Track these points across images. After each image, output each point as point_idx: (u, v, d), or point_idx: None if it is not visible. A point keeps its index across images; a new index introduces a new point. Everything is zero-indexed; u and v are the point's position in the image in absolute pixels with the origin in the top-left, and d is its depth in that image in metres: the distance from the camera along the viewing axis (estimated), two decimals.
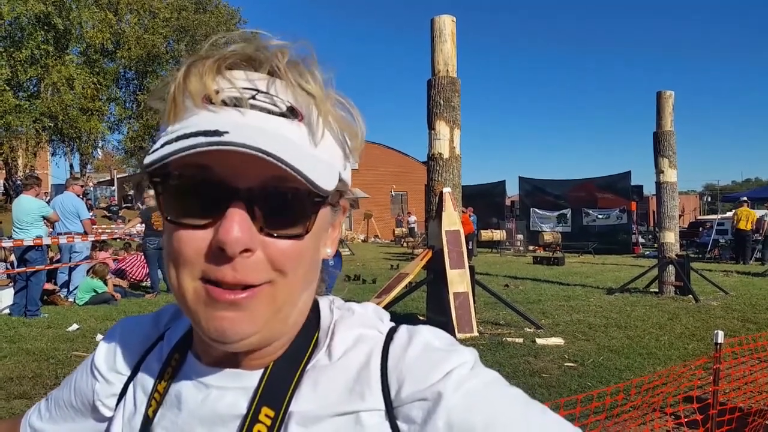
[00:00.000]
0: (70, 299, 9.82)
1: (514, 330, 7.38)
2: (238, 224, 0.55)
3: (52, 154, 32.65)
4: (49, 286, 9.79)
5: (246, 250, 0.55)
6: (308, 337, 0.66)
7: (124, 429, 0.70)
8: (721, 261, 19.21)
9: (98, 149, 34.47)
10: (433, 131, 7.42)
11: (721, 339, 3.37)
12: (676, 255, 10.81)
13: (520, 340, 6.78)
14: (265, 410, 0.61)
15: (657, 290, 10.86)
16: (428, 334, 0.64)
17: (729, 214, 22.45)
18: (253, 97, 0.58)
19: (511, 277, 14.02)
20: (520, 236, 26.56)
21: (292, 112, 0.59)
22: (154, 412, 0.67)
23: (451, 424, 0.56)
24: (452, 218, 7.26)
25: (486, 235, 24.39)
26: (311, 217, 0.59)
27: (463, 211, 8.79)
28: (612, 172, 27.04)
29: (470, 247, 16.91)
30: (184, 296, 0.59)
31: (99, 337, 6.85)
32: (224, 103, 0.58)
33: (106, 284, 9.94)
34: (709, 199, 60.87)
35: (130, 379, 0.73)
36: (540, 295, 10.68)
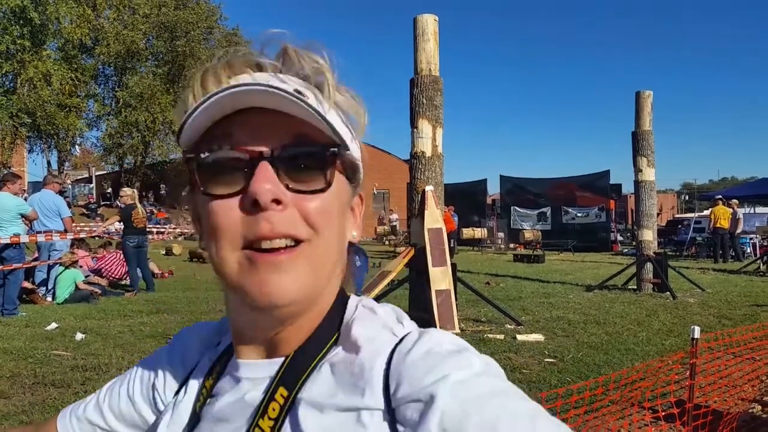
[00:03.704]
0: (49, 298, 9.69)
1: (495, 327, 7.43)
2: (265, 177, 0.59)
3: (29, 151, 32.08)
4: (27, 284, 9.66)
5: (277, 201, 0.59)
6: (331, 329, 0.68)
7: (173, 423, 0.74)
8: (698, 258, 19.50)
9: (76, 146, 33.93)
10: (415, 130, 7.43)
11: (697, 335, 3.44)
12: (654, 253, 10.95)
13: (501, 337, 6.84)
14: (281, 390, 0.64)
15: (635, 287, 10.99)
16: (439, 337, 0.63)
17: (706, 212, 22.76)
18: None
19: (492, 275, 14.11)
20: (501, 234, 26.74)
21: (299, 95, 0.62)
22: (201, 407, 0.72)
23: (444, 428, 0.54)
24: (435, 216, 7.29)
25: (467, 233, 24.47)
26: (329, 169, 0.63)
27: (444, 210, 8.84)
28: (591, 171, 27.32)
29: (452, 245, 16.97)
30: (226, 271, 0.62)
31: (78, 335, 6.76)
32: None
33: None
34: (687, 197, 61.74)
35: (188, 376, 0.77)
36: (520, 293, 10.76)
